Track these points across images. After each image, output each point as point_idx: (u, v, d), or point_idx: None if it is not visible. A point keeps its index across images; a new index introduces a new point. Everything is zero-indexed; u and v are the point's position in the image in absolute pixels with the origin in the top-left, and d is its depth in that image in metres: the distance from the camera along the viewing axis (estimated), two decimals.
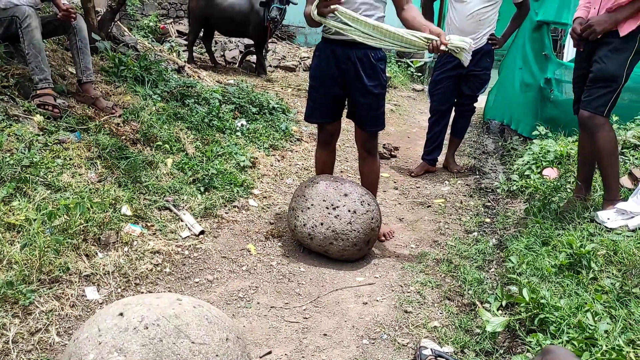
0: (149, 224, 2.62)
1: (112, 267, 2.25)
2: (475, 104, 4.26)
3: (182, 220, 2.77)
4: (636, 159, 3.23)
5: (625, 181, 2.79)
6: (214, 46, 7.58)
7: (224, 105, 4.27)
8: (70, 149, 2.82)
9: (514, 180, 3.64)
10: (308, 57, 7.85)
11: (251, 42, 7.00)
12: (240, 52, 7.61)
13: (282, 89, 5.93)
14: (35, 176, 2.45)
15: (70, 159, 2.75)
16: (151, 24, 7.17)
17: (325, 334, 2.08)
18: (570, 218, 2.59)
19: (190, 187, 2.99)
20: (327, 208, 2.62)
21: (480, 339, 2.00)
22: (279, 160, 3.97)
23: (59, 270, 2.09)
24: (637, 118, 3.71)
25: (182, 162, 3.16)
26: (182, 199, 2.89)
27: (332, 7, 2.31)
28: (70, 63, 3.72)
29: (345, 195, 2.66)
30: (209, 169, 3.10)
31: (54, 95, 3.07)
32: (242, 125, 4.08)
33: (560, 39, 9.00)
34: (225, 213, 2.97)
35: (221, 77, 5.71)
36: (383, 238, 2.96)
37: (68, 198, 2.39)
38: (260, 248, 2.76)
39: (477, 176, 4.18)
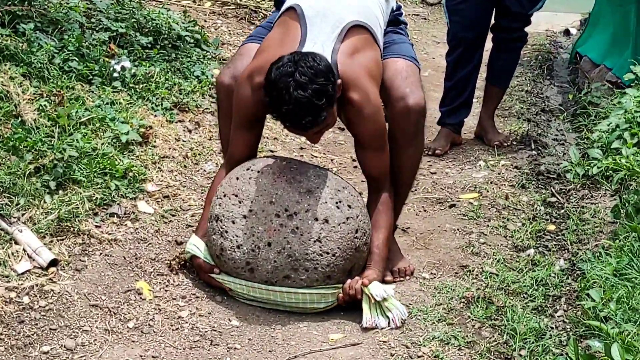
0: None
1: None
2: (526, 29, 3.25)
3: (16, 243, 2.09)
4: None
5: None
6: None
7: (91, 33, 3.19)
8: None
9: (595, 159, 2.80)
10: None
11: None
12: None
13: (194, 2, 4.60)
14: None
15: None
16: None
17: None
18: None
19: (31, 181, 2.22)
20: (278, 215, 1.93)
21: None
22: (190, 131, 3.05)
23: None
24: None
25: (15, 137, 2.31)
26: (17, 204, 2.14)
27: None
28: None
29: (309, 192, 1.92)
30: (65, 149, 2.29)
31: None
32: (123, 68, 3.09)
33: None
34: (96, 227, 2.22)
35: None
36: (397, 277, 2.12)
37: None
38: (160, 287, 2.08)
39: (533, 152, 3.25)
